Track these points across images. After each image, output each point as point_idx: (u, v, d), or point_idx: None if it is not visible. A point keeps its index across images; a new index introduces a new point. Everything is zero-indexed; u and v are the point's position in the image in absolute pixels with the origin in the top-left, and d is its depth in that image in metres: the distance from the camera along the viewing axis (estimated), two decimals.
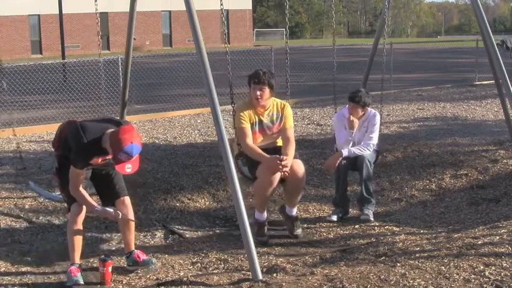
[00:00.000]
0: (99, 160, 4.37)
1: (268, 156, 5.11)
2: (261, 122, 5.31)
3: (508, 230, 4.64)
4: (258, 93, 5.17)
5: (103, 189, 4.60)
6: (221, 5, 4.93)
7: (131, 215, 4.58)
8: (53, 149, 4.78)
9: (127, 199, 4.57)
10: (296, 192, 5.39)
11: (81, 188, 4.33)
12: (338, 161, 5.81)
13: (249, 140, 5.20)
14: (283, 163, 5.01)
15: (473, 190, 6.51)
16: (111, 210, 4.39)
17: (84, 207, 4.37)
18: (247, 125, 5.23)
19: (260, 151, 5.15)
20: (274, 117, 5.34)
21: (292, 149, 5.23)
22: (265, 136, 5.36)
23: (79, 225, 4.36)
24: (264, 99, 5.22)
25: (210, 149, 8.10)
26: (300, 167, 5.26)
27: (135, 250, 4.64)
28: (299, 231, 5.45)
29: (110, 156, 4.22)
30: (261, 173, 5.14)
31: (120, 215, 4.42)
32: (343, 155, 5.78)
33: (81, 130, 4.16)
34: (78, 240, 4.38)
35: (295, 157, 5.28)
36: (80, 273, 4.34)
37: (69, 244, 4.40)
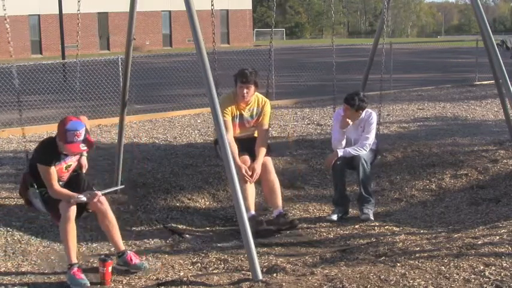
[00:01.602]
0: (63, 166, 4.45)
1: (238, 161, 5.40)
2: (241, 115, 5.67)
3: (508, 230, 4.65)
4: (245, 91, 5.53)
5: (71, 188, 4.56)
6: (212, 5, 5.29)
7: (109, 209, 4.56)
8: None
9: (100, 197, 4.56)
10: (273, 189, 5.61)
11: (57, 185, 4.39)
12: (333, 161, 5.82)
13: (229, 134, 5.44)
14: (250, 175, 5.46)
15: (473, 190, 6.51)
16: (81, 196, 4.37)
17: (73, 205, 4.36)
18: (228, 118, 5.55)
19: (235, 152, 5.42)
20: (254, 112, 5.71)
21: (264, 148, 5.63)
22: (244, 128, 5.73)
23: (72, 222, 4.35)
24: (250, 96, 5.59)
25: (210, 149, 8.09)
26: (269, 162, 5.64)
27: (128, 251, 4.63)
28: (291, 219, 5.59)
29: (69, 160, 4.48)
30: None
31: (98, 195, 4.42)
32: (338, 155, 5.80)
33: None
34: (73, 238, 4.37)
35: (267, 154, 5.65)
36: (83, 274, 4.34)
37: (65, 244, 4.38)
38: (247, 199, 5.44)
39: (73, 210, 4.36)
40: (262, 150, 5.61)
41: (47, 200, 4.48)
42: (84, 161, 4.77)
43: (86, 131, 4.45)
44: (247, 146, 5.64)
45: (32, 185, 4.54)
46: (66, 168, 4.52)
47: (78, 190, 4.50)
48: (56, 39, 30.31)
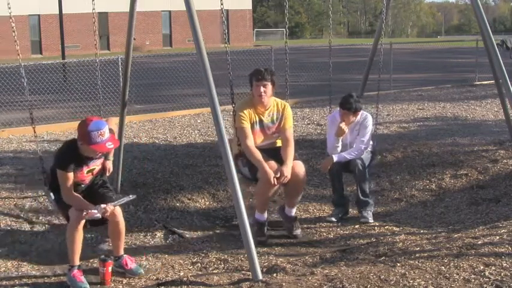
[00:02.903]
0: (84, 171, 4.40)
1: (266, 167, 5.04)
2: (261, 121, 5.28)
3: (508, 230, 4.65)
4: (262, 89, 5.15)
5: (90, 194, 4.53)
6: (221, 4, 4.90)
7: (121, 220, 4.53)
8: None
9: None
10: (296, 193, 5.39)
11: (71, 191, 4.31)
12: (329, 166, 5.79)
13: (249, 141, 5.15)
14: (280, 180, 5.04)
15: (473, 190, 6.51)
16: (95, 211, 4.29)
17: (83, 214, 4.31)
18: (247, 125, 5.18)
19: (259, 157, 5.09)
20: (275, 117, 5.32)
21: (291, 152, 5.22)
22: (265, 136, 5.33)
23: (79, 231, 4.32)
24: (268, 95, 5.20)
25: (210, 149, 8.10)
26: (300, 169, 5.26)
27: (124, 255, 4.62)
28: (298, 231, 5.45)
29: (92, 164, 4.40)
30: (262, 178, 5.11)
31: (108, 210, 4.33)
32: (334, 161, 5.75)
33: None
34: (79, 243, 4.36)
35: (295, 158, 5.27)
36: (83, 276, 4.33)
37: (69, 247, 4.37)
38: (266, 204, 5.35)
39: (82, 221, 4.31)
40: (290, 154, 5.18)
41: (59, 200, 4.45)
42: (109, 164, 4.68)
43: (110, 130, 4.36)
44: (270, 155, 5.21)
45: (46, 184, 4.54)
46: (88, 172, 4.43)
47: (94, 199, 4.41)
48: (56, 39, 30.34)
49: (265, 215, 5.40)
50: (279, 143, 5.39)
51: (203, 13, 33.38)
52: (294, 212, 5.50)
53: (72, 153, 4.28)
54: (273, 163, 5.14)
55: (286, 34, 5.98)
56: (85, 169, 4.39)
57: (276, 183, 5.04)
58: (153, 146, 8.63)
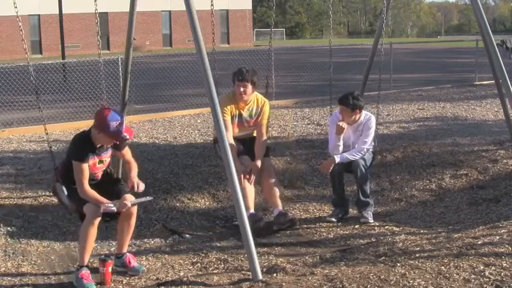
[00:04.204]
0: (96, 160, 4.42)
1: (236, 166, 5.19)
2: (240, 115, 5.73)
3: (508, 230, 4.65)
4: (242, 89, 5.59)
5: (105, 191, 4.55)
6: (212, 5, 5.35)
7: (135, 214, 4.59)
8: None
9: (130, 196, 4.56)
10: (272, 188, 5.64)
11: (87, 185, 4.32)
12: (331, 167, 5.79)
13: (228, 134, 5.50)
14: (248, 177, 5.52)
15: (473, 190, 6.51)
16: (111, 205, 4.33)
17: (100, 209, 4.32)
18: (228, 118, 5.60)
19: (234, 154, 5.39)
20: (253, 112, 5.77)
21: (263, 147, 5.73)
22: (242, 128, 5.78)
23: (95, 227, 4.32)
24: (248, 94, 5.64)
25: (210, 149, 8.08)
26: (269, 162, 5.74)
27: (127, 253, 4.63)
28: (291, 217, 5.65)
29: (104, 156, 4.47)
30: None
31: (128, 204, 4.39)
32: (336, 161, 5.75)
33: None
34: (92, 242, 4.35)
35: (267, 154, 5.76)
36: (90, 276, 4.30)
37: (81, 245, 4.36)
38: (246, 198, 5.41)
39: (99, 215, 4.31)
40: (262, 149, 5.71)
41: (72, 196, 4.45)
42: (135, 180, 4.65)
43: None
44: (246, 145, 5.74)
45: (58, 180, 4.57)
46: (99, 163, 4.49)
47: (110, 195, 4.43)
48: (56, 39, 30.31)
49: (252, 210, 5.50)
50: (255, 133, 5.86)
51: (203, 13, 33.33)
52: (280, 209, 5.62)
53: (84, 143, 4.37)
54: (245, 158, 5.65)
55: (271, 36, 6.22)
56: (97, 159, 4.43)
57: (247, 178, 5.50)
58: (153, 146, 8.63)
